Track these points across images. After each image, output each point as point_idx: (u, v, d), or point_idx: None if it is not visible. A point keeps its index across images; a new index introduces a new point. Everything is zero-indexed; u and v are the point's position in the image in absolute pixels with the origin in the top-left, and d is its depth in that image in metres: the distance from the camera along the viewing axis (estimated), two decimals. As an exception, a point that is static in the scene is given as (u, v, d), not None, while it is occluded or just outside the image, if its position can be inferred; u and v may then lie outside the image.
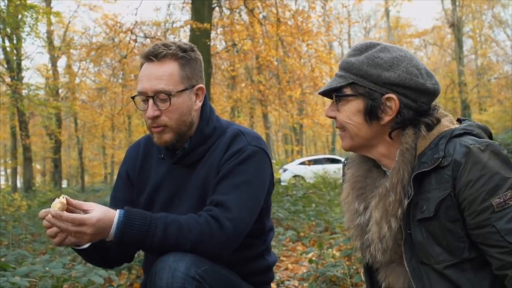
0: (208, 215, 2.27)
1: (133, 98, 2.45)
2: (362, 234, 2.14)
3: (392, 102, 1.97)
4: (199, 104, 2.47)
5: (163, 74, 2.34)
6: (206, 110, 2.51)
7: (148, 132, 2.53)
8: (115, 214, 2.17)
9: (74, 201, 2.17)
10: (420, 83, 1.97)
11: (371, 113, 2.00)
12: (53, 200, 2.18)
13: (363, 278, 4.22)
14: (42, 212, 2.14)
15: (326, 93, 2.10)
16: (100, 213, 2.12)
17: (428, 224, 1.91)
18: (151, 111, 2.34)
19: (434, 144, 1.93)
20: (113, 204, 2.49)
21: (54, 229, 2.12)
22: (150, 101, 2.34)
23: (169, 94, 2.33)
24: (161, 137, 2.39)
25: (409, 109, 1.98)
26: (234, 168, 2.38)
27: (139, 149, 2.64)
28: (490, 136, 2.02)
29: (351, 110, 2.03)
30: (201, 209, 2.37)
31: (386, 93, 1.96)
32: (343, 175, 2.34)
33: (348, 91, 2.02)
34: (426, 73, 2.01)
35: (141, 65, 2.42)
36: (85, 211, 2.15)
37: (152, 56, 2.35)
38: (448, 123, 2.02)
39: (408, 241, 1.98)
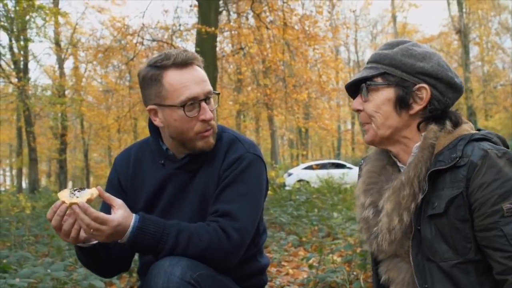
0: (217, 225, 2.30)
1: (182, 107, 2.35)
2: (368, 228, 2.16)
3: (424, 92, 2.02)
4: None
5: (204, 76, 2.41)
6: None
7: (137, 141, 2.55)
8: (132, 219, 2.21)
9: (106, 195, 2.23)
10: (450, 76, 2.04)
11: (402, 102, 2.04)
12: (82, 189, 2.23)
13: (362, 284, 4.24)
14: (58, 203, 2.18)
15: (353, 86, 2.15)
16: (122, 217, 2.17)
17: (437, 220, 1.94)
18: (210, 112, 2.38)
19: (453, 144, 1.97)
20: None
21: (69, 221, 2.17)
22: (203, 103, 2.37)
23: (217, 93, 2.45)
24: (209, 140, 2.43)
25: (437, 102, 2.03)
26: (236, 177, 2.41)
27: (130, 157, 2.64)
28: (507, 148, 2.04)
29: (381, 99, 2.06)
30: (201, 214, 2.42)
31: (418, 82, 2.02)
32: (360, 170, 2.36)
33: (379, 80, 2.07)
34: (453, 71, 2.08)
35: (158, 77, 2.36)
36: (112, 208, 2.20)
37: (189, 61, 2.38)
38: (469, 128, 2.07)
39: (416, 236, 2.01)
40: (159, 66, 2.37)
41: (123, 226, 2.17)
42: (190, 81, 2.35)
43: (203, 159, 2.48)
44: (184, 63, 2.36)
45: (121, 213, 2.18)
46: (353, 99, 2.17)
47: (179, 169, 2.50)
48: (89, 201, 2.17)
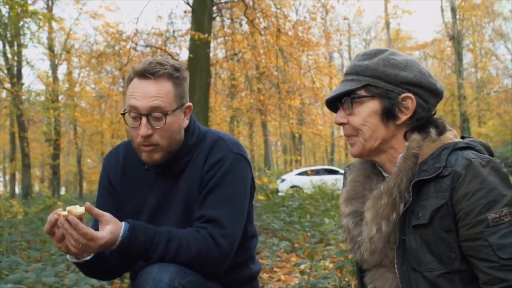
0: (206, 232, 2.30)
1: (123, 114, 2.42)
2: (351, 238, 2.16)
3: (409, 102, 2.01)
4: (186, 122, 2.47)
5: (159, 92, 2.32)
6: (191, 121, 2.52)
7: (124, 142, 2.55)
8: (121, 229, 2.20)
9: (94, 211, 2.18)
10: (432, 83, 2.04)
11: (389, 113, 2.02)
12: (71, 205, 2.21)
13: (353, 290, 4.25)
14: (54, 214, 2.15)
15: (334, 100, 2.11)
16: (110, 233, 2.16)
17: (422, 231, 1.93)
18: (145, 129, 2.30)
19: (436, 154, 1.96)
20: None
21: (60, 232, 2.14)
22: (144, 119, 2.31)
23: (165, 113, 2.33)
24: (151, 156, 2.38)
25: (421, 109, 2.03)
26: (220, 180, 2.40)
27: (118, 157, 2.63)
28: (491, 155, 2.04)
29: (367, 112, 2.04)
30: (187, 219, 2.41)
31: (403, 92, 2.01)
32: (344, 179, 2.35)
33: (362, 93, 2.05)
34: (433, 76, 2.08)
35: (130, 80, 2.39)
36: (100, 224, 2.18)
37: (149, 73, 2.33)
38: (452, 136, 2.06)
39: (401, 246, 2.00)
40: (131, 71, 2.42)
41: (112, 240, 2.16)
42: (137, 92, 2.33)
43: (184, 162, 2.48)
44: (141, 74, 2.34)
45: (109, 229, 2.16)
46: (334, 112, 2.15)
47: (160, 174, 2.50)
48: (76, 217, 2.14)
